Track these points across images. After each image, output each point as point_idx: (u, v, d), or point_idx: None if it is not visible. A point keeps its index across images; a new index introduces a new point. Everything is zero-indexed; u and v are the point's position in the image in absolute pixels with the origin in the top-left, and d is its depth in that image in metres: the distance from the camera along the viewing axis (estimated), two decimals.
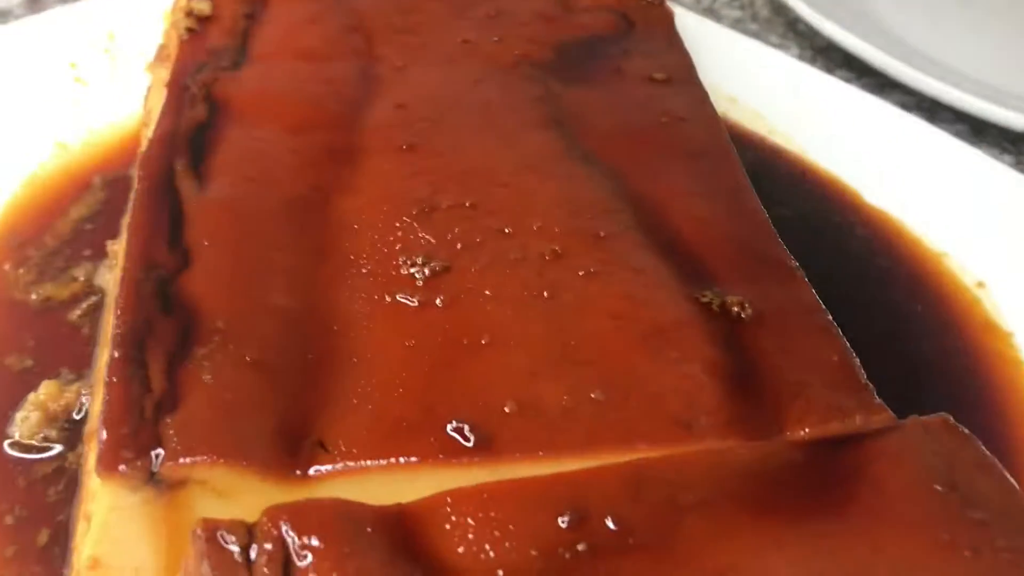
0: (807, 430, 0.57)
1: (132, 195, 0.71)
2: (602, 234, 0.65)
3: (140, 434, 0.49)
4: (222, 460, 0.49)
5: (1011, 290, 0.82)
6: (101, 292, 0.70)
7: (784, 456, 0.56)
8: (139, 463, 0.48)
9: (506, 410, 0.54)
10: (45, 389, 0.62)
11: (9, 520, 0.57)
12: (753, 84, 0.98)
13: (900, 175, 0.91)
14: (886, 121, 0.94)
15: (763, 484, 0.54)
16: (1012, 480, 0.58)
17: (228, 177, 0.64)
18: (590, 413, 0.55)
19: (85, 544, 0.51)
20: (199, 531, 0.46)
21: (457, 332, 0.57)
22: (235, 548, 0.45)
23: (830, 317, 0.64)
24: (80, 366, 0.65)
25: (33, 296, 0.69)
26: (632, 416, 0.55)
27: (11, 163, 0.77)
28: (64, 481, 0.59)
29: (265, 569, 0.45)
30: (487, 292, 0.60)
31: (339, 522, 0.47)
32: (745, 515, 0.52)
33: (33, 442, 0.60)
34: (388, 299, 0.58)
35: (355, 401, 0.53)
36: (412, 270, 0.60)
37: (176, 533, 0.51)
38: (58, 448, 0.60)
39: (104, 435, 0.49)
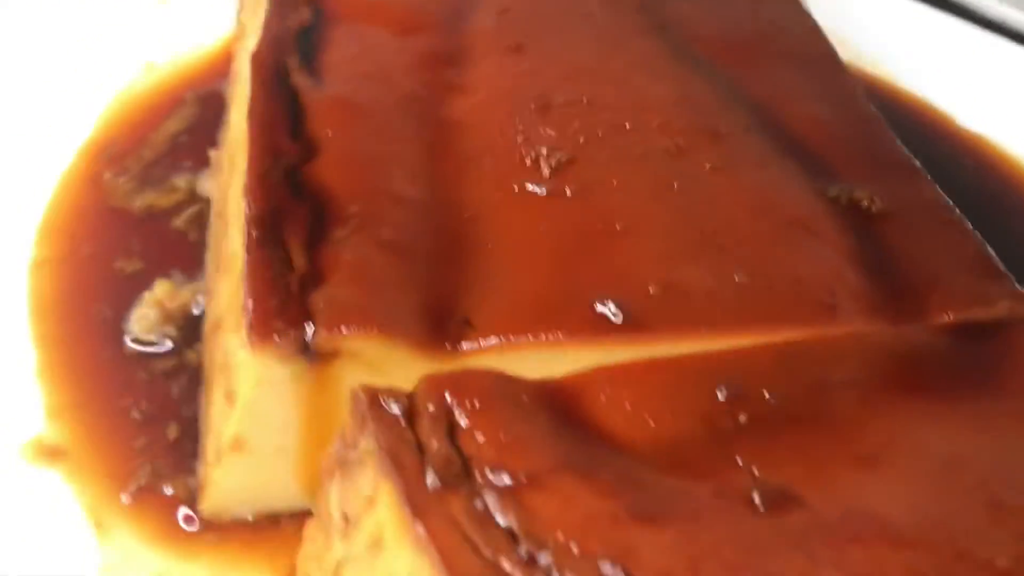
0: (951, 315, 0.55)
1: (233, 104, 0.71)
2: (723, 131, 0.64)
3: (289, 306, 0.48)
4: (377, 330, 0.48)
5: None
6: (204, 200, 0.69)
7: (930, 340, 0.54)
8: (292, 333, 0.47)
9: (650, 290, 0.52)
10: (160, 288, 0.61)
11: (136, 415, 0.56)
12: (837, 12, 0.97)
13: (991, 96, 0.90)
14: (975, 43, 0.93)
15: (911, 366, 0.53)
16: None
17: (342, 74, 0.63)
18: (735, 295, 0.53)
19: (228, 423, 0.50)
20: (361, 395, 0.44)
21: (590, 219, 0.56)
22: (397, 411, 0.44)
23: (959, 212, 0.63)
24: (191, 269, 0.63)
25: (136, 203, 0.68)
26: (777, 298, 0.54)
27: (102, 82, 0.76)
28: (186, 377, 0.58)
29: (430, 430, 0.43)
30: (615, 183, 0.58)
31: (497, 389, 0.46)
32: (896, 394, 0.50)
33: (152, 338, 0.60)
34: (516, 189, 0.57)
35: (497, 281, 0.52)
36: (538, 160, 0.59)
37: (323, 412, 0.50)
38: (174, 346, 0.59)
39: (252, 306, 0.48)
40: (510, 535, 0.40)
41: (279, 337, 0.47)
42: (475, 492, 0.41)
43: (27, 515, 0.50)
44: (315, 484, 0.50)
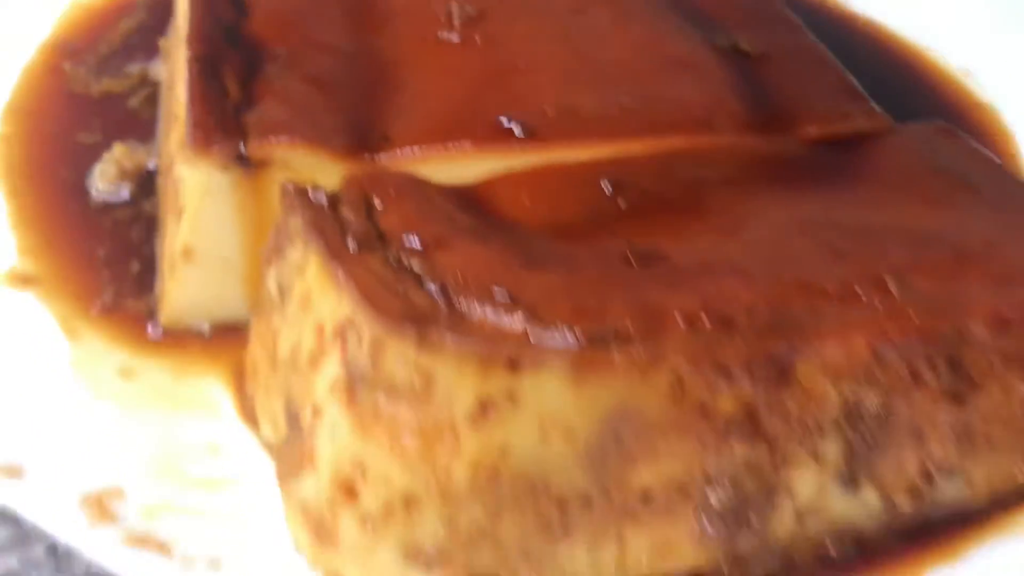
0: (815, 130, 0.63)
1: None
2: None
3: (225, 122, 0.56)
4: (301, 140, 0.55)
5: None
6: (155, 83, 0.75)
7: (796, 149, 0.63)
8: (228, 143, 0.55)
9: (547, 111, 0.60)
10: (118, 149, 0.68)
11: (100, 253, 0.62)
12: None
13: None
14: None
15: (778, 167, 0.61)
16: (998, 160, 0.65)
17: None
18: (621, 112, 0.61)
19: (179, 234, 0.57)
20: (289, 186, 0.52)
21: (496, 60, 0.64)
22: (322, 201, 0.51)
23: (830, 54, 0.71)
24: (145, 139, 0.70)
25: (94, 89, 0.75)
26: (659, 114, 0.62)
27: None
28: (144, 225, 0.65)
29: (349, 211, 0.51)
30: (519, 32, 0.66)
31: (409, 183, 0.53)
32: (761, 187, 0.59)
33: (112, 191, 0.66)
34: (431, 38, 0.65)
35: (413, 106, 0.60)
36: (451, 15, 0.66)
37: (259, 222, 0.57)
38: (131, 198, 0.66)
39: (193, 123, 0.55)
40: (418, 278, 0.47)
41: (217, 146, 0.54)
42: (388, 253, 0.49)
43: (5, 327, 0.57)
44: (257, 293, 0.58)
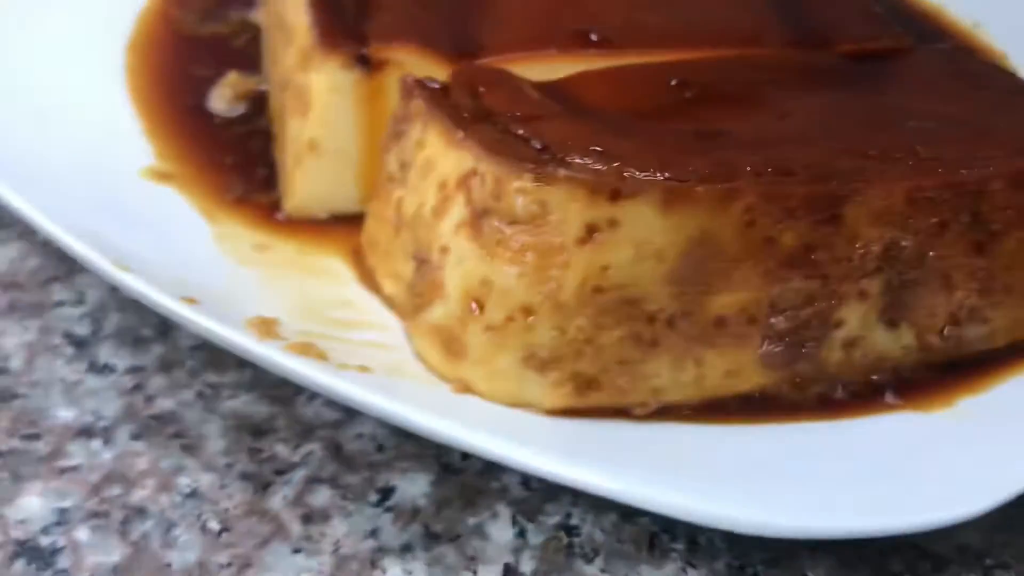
0: (847, 47, 0.73)
1: None
2: None
3: (347, 29, 0.65)
4: (416, 43, 0.65)
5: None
6: (255, 27, 0.85)
7: (832, 61, 0.72)
8: (351, 46, 0.64)
9: (618, 23, 0.69)
10: (232, 76, 0.77)
11: (226, 158, 0.72)
12: None
13: None
14: None
15: (818, 73, 0.70)
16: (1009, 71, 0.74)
17: None
18: (682, 27, 0.71)
19: (304, 130, 0.66)
20: (409, 77, 0.61)
21: None
22: (435, 86, 0.61)
23: None
24: (251, 71, 0.80)
25: (202, 31, 0.84)
26: (714, 29, 0.71)
27: None
28: (261, 138, 0.74)
29: (459, 95, 0.60)
30: None
31: (507, 75, 0.63)
32: (806, 88, 0.68)
33: (229, 110, 0.76)
34: None
35: (502, 19, 0.69)
36: None
37: (375, 117, 0.66)
38: (246, 114, 0.76)
39: (319, 30, 0.65)
40: (525, 140, 0.56)
41: (342, 49, 0.64)
42: (496, 124, 0.58)
43: (151, 212, 0.66)
44: (372, 187, 0.67)
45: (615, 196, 0.52)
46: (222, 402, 0.60)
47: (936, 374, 0.60)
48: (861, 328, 0.58)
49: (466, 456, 0.58)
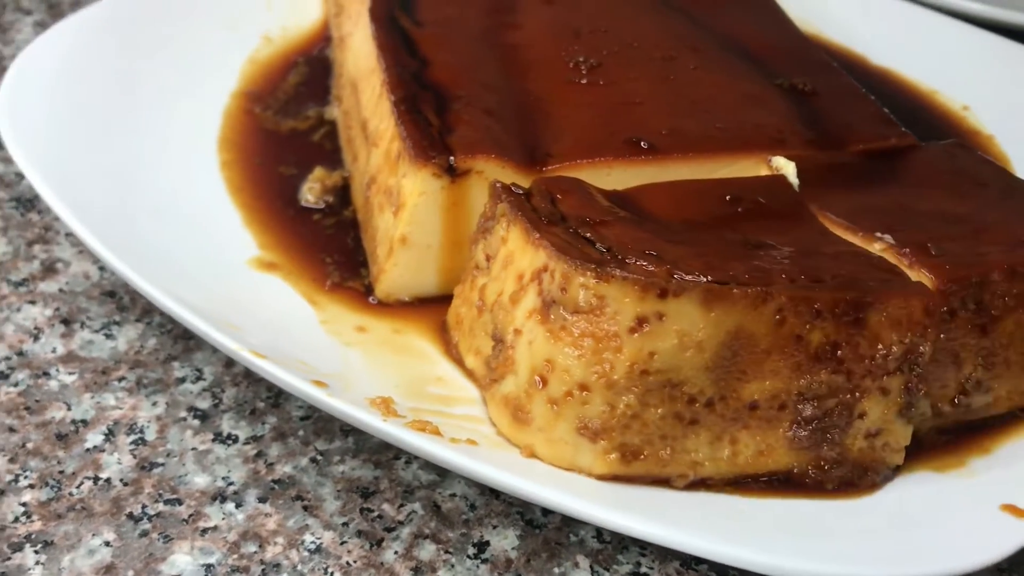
0: (860, 147, 0.83)
1: (345, 53, 0.98)
2: (700, 48, 0.92)
3: (434, 143, 0.75)
4: (494, 154, 0.75)
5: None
6: (330, 122, 0.95)
7: (848, 159, 0.82)
8: (440, 158, 0.74)
9: (663, 132, 0.80)
10: (317, 171, 0.87)
11: (323, 250, 0.81)
12: None
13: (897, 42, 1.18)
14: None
15: (837, 171, 0.80)
16: (1004, 167, 0.84)
17: (433, 18, 0.91)
18: (718, 133, 0.81)
19: (397, 226, 0.76)
20: (498, 183, 0.71)
21: (617, 96, 0.84)
22: (519, 192, 0.70)
23: (864, 91, 0.91)
24: (332, 165, 0.90)
25: (282, 127, 0.94)
26: (745, 135, 0.82)
27: (234, 50, 1.02)
28: (346, 225, 0.84)
29: (539, 200, 0.69)
30: (630, 76, 0.86)
31: (580, 184, 0.73)
32: (828, 188, 0.78)
33: (318, 203, 0.85)
34: (565, 82, 0.85)
35: (563, 131, 0.80)
36: (578, 64, 0.86)
37: (458, 217, 0.76)
38: (332, 207, 0.86)
39: (411, 145, 0.75)
40: (591, 242, 0.66)
41: (432, 161, 0.74)
42: (568, 227, 0.68)
43: (262, 298, 0.75)
44: (452, 275, 0.76)
45: (663, 294, 0.61)
46: (332, 466, 0.69)
47: (948, 437, 0.70)
48: (882, 421, 0.67)
49: (545, 513, 0.68)
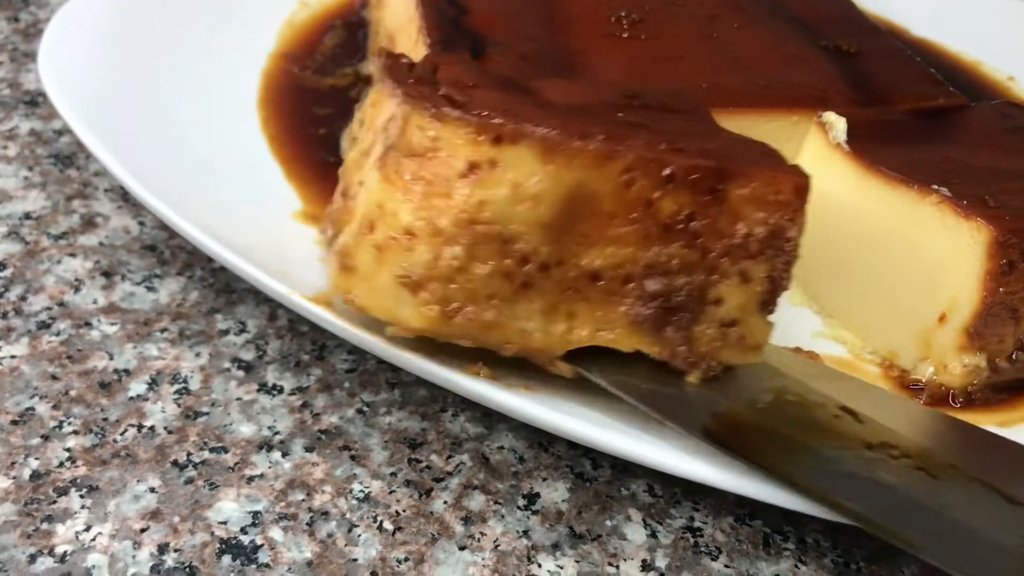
0: (907, 105, 0.82)
1: (384, 10, 0.97)
2: (744, 7, 0.91)
3: None
4: None
5: None
6: (368, 79, 0.94)
7: (894, 117, 0.81)
8: None
9: (703, 87, 0.79)
10: (354, 126, 0.86)
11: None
12: None
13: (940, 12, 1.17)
14: None
15: (886, 128, 0.79)
16: None
17: None
18: (760, 90, 0.80)
19: None
20: (383, 53, 0.66)
21: (658, 51, 0.83)
22: (403, 60, 0.64)
23: (910, 53, 0.89)
24: None
25: (322, 84, 0.94)
26: (788, 93, 0.81)
27: (273, 12, 1.01)
28: None
29: (421, 68, 0.63)
30: (673, 32, 0.85)
31: (469, 61, 0.71)
32: (880, 140, 0.77)
33: None
34: (606, 35, 0.84)
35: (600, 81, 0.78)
36: (620, 19, 0.85)
37: None
38: None
39: None
40: (449, 100, 0.59)
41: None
42: (436, 88, 0.61)
43: (308, 248, 0.74)
44: None
45: (498, 140, 0.56)
46: (379, 418, 0.68)
47: (1004, 396, 0.69)
48: (739, 311, 0.61)
49: (596, 466, 0.67)
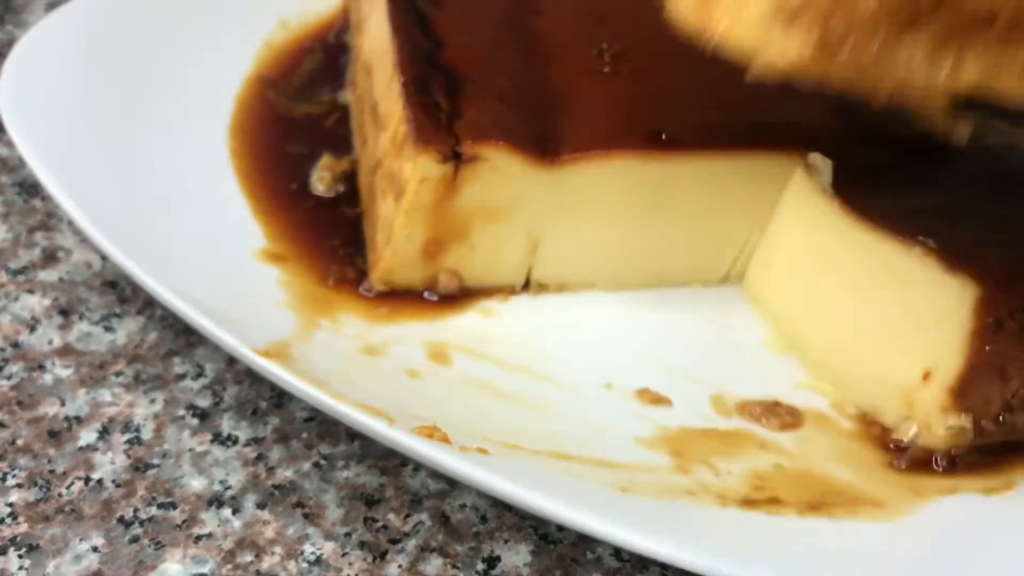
0: (901, 142, 0.79)
1: (362, 37, 0.94)
2: None
3: (440, 128, 0.72)
4: (503, 142, 0.71)
5: None
6: (344, 108, 0.92)
7: (887, 157, 0.78)
8: (445, 144, 0.70)
9: (688, 125, 0.76)
10: (325, 159, 0.84)
11: (331, 243, 0.78)
12: None
13: None
14: None
15: (875, 169, 0.76)
16: None
17: (453, 1, 0.86)
18: (745, 128, 0.77)
19: (398, 212, 0.72)
20: None
21: (641, 86, 0.79)
22: None
23: None
24: (340, 152, 0.86)
25: (296, 112, 0.91)
26: (775, 130, 0.78)
27: (250, 34, 0.99)
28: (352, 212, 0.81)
29: None
30: (657, 65, 0.82)
31: None
32: (867, 183, 0.74)
33: (331, 194, 0.82)
34: (587, 69, 0.80)
35: (581, 120, 0.75)
36: (601, 52, 0.82)
37: (462, 207, 0.73)
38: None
39: (415, 127, 0.71)
40: None
41: (436, 146, 0.70)
42: None
43: (267, 292, 0.72)
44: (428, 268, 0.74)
45: None
46: (337, 472, 0.66)
47: (990, 459, 0.66)
48: None
49: (561, 528, 0.64)
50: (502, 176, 0.72)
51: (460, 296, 0.76)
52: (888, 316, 0.69)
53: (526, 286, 0.78)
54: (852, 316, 0.72)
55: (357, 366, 0.66)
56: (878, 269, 0.69)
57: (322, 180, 0.83)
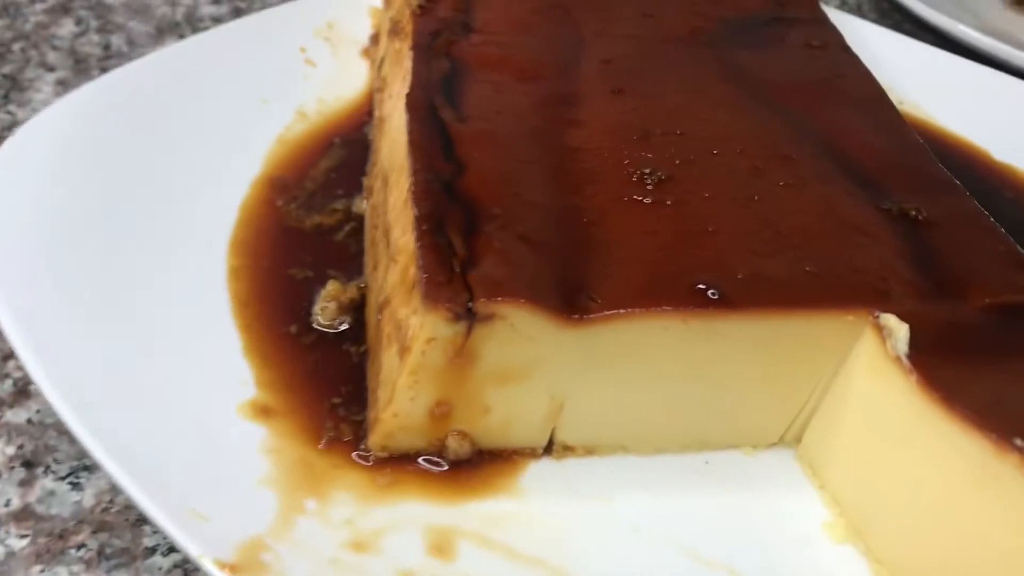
0: (987, 300, 0.67)
1: (381, 140, 0.86)
2: (793, 156, 0.77)
3: (453, 281, 0.62)
4: (524, 300, 0.61)
5: None
6: (359, 217, 0.83)
7: (969, 316, 0.66)
8: (457, 301, 0.60)
9: (738, 275, 0.65)
10: (331, 286, 0.75)
11: (329, 394, 0.69)
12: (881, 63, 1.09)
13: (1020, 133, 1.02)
14: (1003, 87, 1.06)
15: (957, 333, 0.65)
16: None
17: (479, 111, 0.77)
18: (806, 281, 0.66)
19: (401, 372, 0.63)
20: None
21: (687, 222, 0.69)
22: None
23: (993, 220, 0.75)
24: (350, 273, 0.78)
25: (306, 224, 0.83)
26: (840, 284, 0.66)
27: (263, 128, 0.91)
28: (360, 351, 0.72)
29: None
30: (706, 195, 0.72)
31: None
32: (949, 352, 0.63)
33: (334, 327, 0.73)
34: (626, 199, 0.70)
35: (614, 268, 0.65)
36: (643, 177, 0.72)
37: (476, 372, 0.63)
38: (350, 327, 0.74)
39: (425, 279, 0.61)
40: None
41: (447, 304, 0.60)
42: None
43: (238, 466, 0.63)
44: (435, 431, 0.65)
45: None
46: None
47: None
48: None
49: None
50: (522, 335, 0.62)
51: (472, 461, 0.67)
52: (972, 521, 0.58)
53: (549, 448, 0.69)
54: (929, 510, 0.61)
55: (340, 572, 0.57)
56: (962, 463, 0.58)
57: (325, 312, 0.74)
